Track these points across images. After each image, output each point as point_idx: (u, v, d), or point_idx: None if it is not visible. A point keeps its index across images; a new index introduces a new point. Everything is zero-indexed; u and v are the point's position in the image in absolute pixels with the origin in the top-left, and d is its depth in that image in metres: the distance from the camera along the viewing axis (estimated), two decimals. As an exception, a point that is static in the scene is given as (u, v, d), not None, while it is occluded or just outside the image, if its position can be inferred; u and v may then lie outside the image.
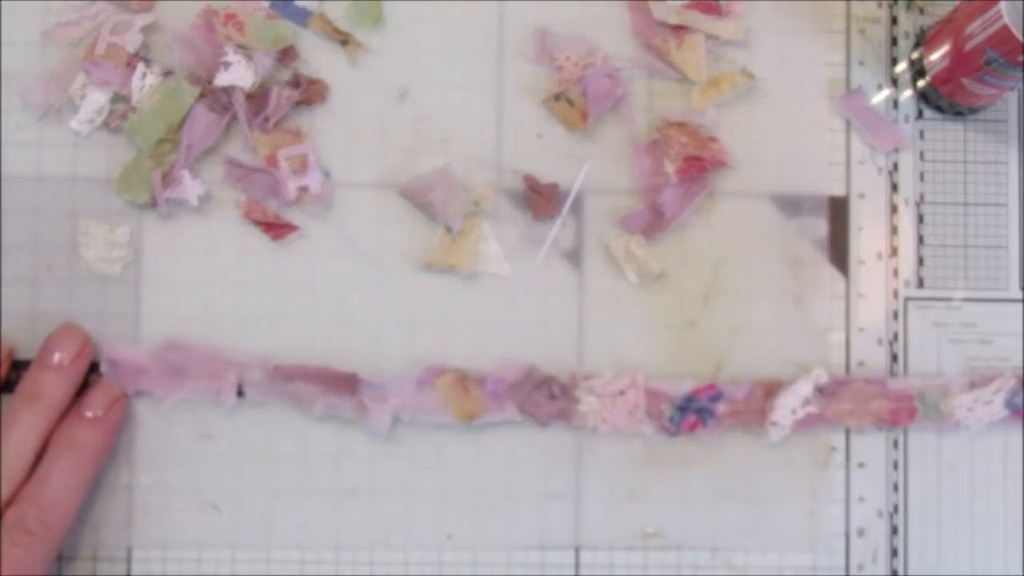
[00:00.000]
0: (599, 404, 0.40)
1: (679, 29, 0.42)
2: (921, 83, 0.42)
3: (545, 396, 0.40)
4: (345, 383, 0.40)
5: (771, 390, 0.41)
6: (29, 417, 0.38)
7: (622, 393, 0.40)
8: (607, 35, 0.42)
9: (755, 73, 0.42)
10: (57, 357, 0.39)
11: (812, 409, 0.41)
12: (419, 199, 0.41)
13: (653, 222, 0.41)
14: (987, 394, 0.41)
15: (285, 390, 0.40)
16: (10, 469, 0.37)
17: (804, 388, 0.41)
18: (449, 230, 0.41)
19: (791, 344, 0.42)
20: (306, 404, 0.40)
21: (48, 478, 0.37)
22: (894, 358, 0.42)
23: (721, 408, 0.41)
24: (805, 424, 0.41)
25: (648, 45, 0.42)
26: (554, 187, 0.41)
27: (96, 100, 0.40)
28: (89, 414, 0.39)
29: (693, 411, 0.41)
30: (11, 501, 0.37)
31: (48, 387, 0.39)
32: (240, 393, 0.40)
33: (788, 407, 0.41)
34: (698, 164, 0.41)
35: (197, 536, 0.40)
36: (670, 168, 0.41)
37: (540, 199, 0.41)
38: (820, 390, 0.41)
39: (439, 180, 0.41)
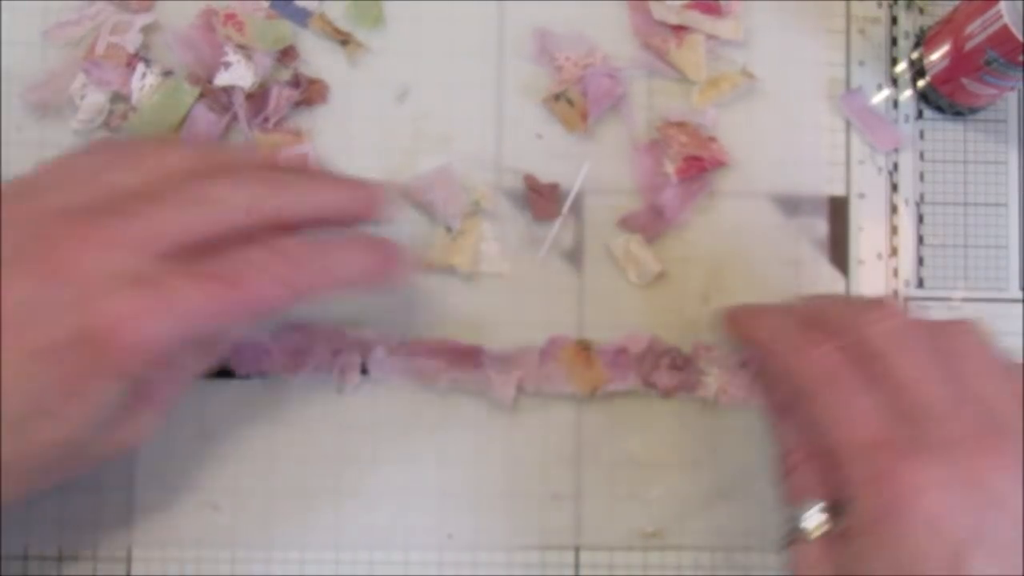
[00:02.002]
0: (722, 376, 0.40)
1: (679, 29, 0.42)
2: (921, 83, 0.42)
3: (668, 367, 0.40)
4: (469, 356, 0.40)
5: None
6: None
7: (744, 365, 0.40)
8: (607, 35, 0.42)
9: (755, 73, 0.42)
10: None
11: None
12: (419, 199, 0.41)
13: (653, 222, 0.41)
14: None
15: (409, 366, 0.40)
16: None
17: None
18: (449, 230, 0.41)
19: (791, 344, 0.42)
20: (430, 379, 0.40)
21: None
22: (894, 358, 0.42)
23: None
24: None
25: (648, 45, 0.42)
26: (554, 187, 0.41)
27: (96, 100, 0.40)
28: None
29: None
30: None
31: None
32: (364, 371, 0.40)
33: None
34: (698, 164, 0.41)
35: (197, 536, 0.40)
36: (670, 168, 0.41)
37: (540, 199, 0.41)
38: None
39: (439, 180, 0.41)
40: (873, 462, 0.30)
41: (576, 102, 0.41)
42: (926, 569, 0.29)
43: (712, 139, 0.42)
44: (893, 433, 0.30)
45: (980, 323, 0.33)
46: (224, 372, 0.40)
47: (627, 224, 0.42)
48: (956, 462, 0.29)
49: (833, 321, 0.34)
